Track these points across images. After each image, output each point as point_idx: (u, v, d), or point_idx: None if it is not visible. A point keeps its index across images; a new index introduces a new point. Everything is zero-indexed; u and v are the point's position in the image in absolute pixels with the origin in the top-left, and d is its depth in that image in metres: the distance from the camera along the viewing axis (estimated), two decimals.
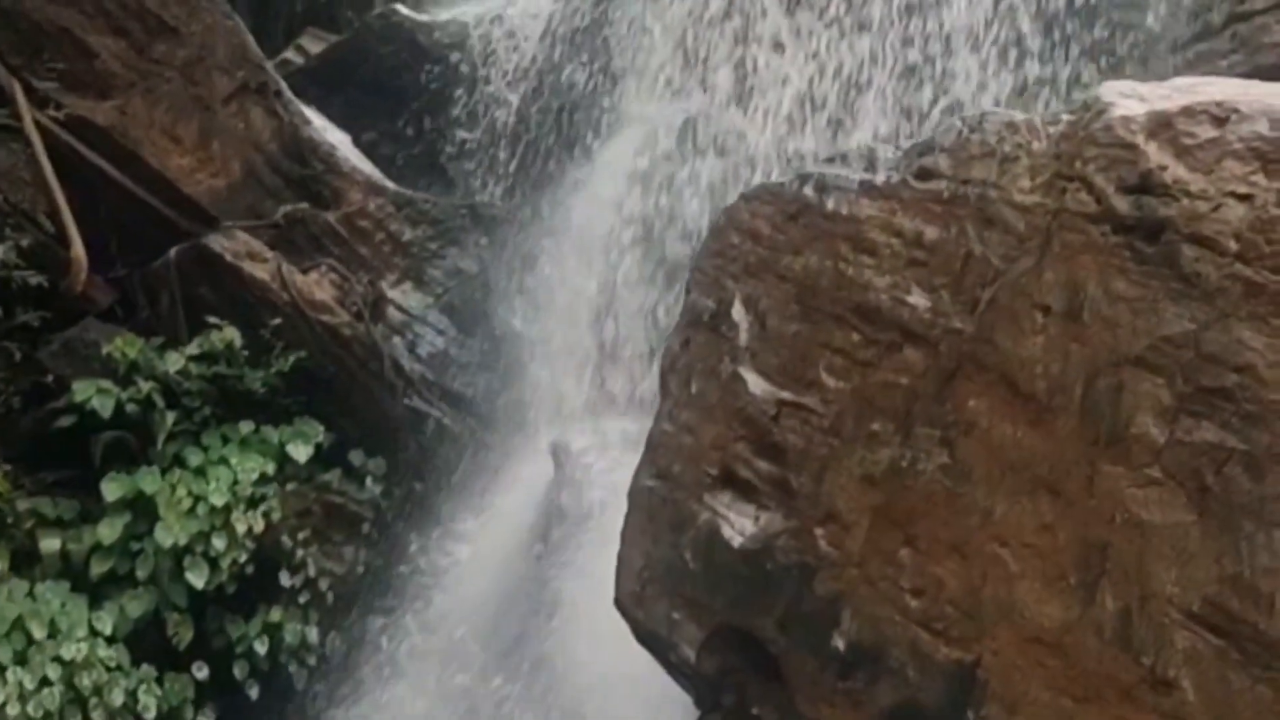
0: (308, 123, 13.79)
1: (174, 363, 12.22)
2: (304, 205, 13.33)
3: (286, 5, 17.40)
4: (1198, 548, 4.34)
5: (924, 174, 5.54)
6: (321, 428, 12.68)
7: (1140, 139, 4.76)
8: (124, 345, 12.13)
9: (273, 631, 12.06)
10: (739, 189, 9.52)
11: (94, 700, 10.92)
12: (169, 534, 11.53)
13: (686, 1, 12.61)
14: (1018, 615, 4.81)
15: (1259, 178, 4.44)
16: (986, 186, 5.22)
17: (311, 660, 12.14)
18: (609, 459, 10.22)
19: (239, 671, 11.99)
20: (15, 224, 11.88)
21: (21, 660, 10.76)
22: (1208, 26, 9.60)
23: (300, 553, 12.16)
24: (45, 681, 10.73)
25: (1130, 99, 4.96)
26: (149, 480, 11.80)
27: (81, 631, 11.08)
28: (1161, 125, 4.73)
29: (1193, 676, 4.32)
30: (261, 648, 11.96)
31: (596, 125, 13.18)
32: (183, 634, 11.76)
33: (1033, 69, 10.29)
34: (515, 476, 11.66)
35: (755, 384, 6.10)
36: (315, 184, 13.50)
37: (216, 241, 12.86)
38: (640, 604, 6.55)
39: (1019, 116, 5.31)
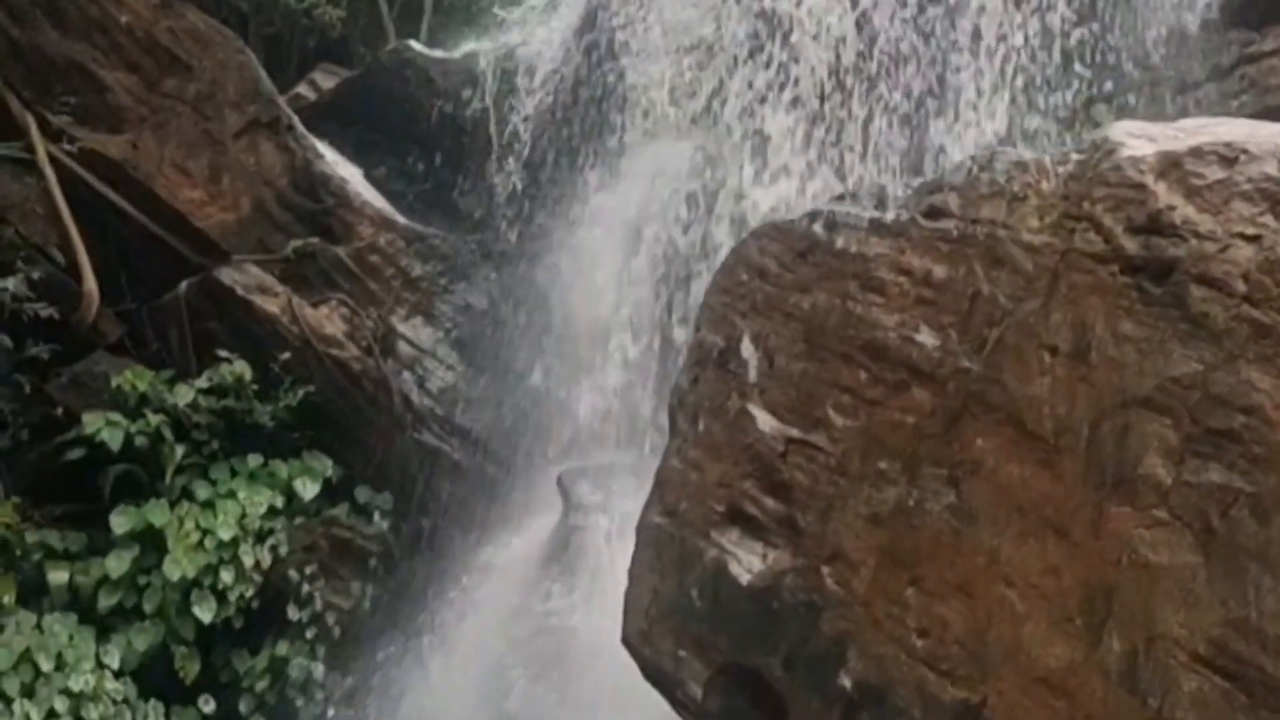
0: (319, 157, 13.84)
1: (183, 396, 12.24)
2: (314, 240, 13.38)
3: (300, 41, 17.51)
4: (1204, 590, 4.33)
5: (933, 212, 5.54)
6: (330, 462, 12.70)
7: (1149, 179, 4.76)
8: (133, 378, 12.16)
9: (279, 666, 12.05)
10: (746, 227, 9.55)
11: None
12: (177, 567, 11.54)
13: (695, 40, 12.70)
14: (1023, 656, 4.78)
15: (1268, 219, 4.43)
16: (995, 226, 5.22)
17: (318, 695, 12.12)
18: (617, 495, 10.21)
19: (245, 706, 11.98)
20: (27, 256, 11.92)
21: (29, 693, 10.75)
22: (1217, 68, 9.62)
23: (307, 587, 12.15)
24: (52, 714, 10.73)
25: (1139, 139, 4.96)
26: (157, 513, 11.81)
27: (89, 664, 11.08)
28: (1170, 165, 4.73)
29: (1199, 719, 4.30)
30: (268, 682, 11.96)
31: (608, 162, 13.20)
32: (189, 668, 11.75)
33: (1044, 107, 10.33)
34: (524, 511, 11.64)
35: (764, 421, 6.09)
36: (326, 218, 13.54)
37: (227, 275, 12.91)
38: (647, 641, 6.52)
39: (1028, 156, 5.31)
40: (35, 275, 11.76)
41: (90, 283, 12.36)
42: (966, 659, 4.98)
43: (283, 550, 12.13)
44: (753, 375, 6.22)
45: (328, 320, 13.01)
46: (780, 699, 5.76)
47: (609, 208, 12.73)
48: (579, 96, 13.86)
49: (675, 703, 6.42)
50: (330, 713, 12.05)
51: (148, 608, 11.65)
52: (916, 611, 5.20)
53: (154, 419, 12.07)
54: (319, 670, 12.11)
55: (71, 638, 11.19)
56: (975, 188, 5.38)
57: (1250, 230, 4.44)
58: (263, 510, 12.11)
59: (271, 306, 12.83)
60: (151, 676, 11.65)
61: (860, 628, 5.40)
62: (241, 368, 12.45)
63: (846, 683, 5.40)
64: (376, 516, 12.78)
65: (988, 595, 4.95)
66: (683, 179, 12.21)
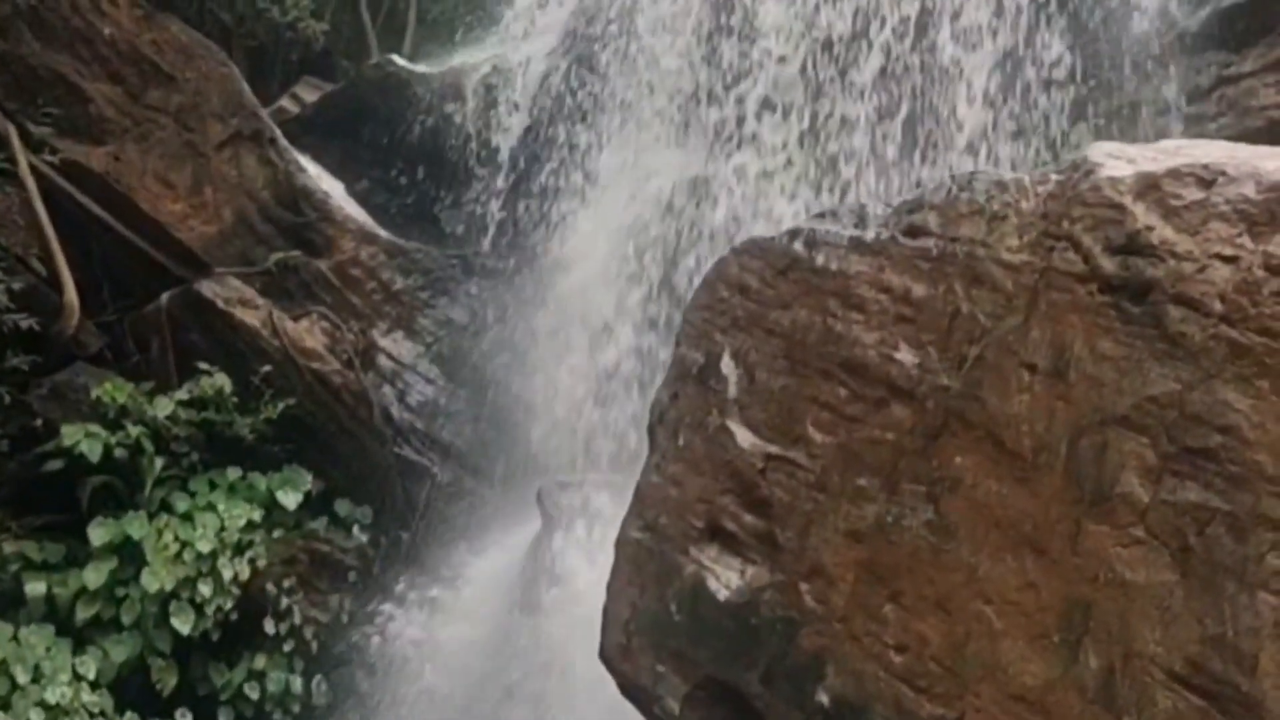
0: (302, 170, 13.83)
1: (163, 408, 12.23)
2: (296, 253, 13.37)
3: (283, 54, 17.48)
4: (1181, 608, 4.35)
5: (913, 231, 5.56)
6: (309, 475, 12.69)
7: (1128, 200, 4.78)
8: (114, 390, 12.14)
9: (257, 679, 12.04)
10: (730, 241, 9.57)
11: None
12: (155, 579, 11.52)
13: (677, 58, 12.71)
14: (1001, 672, 4.80)
15: (1245, 240, 4.46)
16: (975, 245, 5.24)
17: (295, 708, 12.12)
18: (596, 509, 10.22)
19: (223, 719, 11.95)
20: (7, 267, 11.89)
21: (4, 704, 10.72)
22: (1196, 89, 9.66)
23: (285, 600, 12.14)
24: None
25: (1118, 160, 4.99)
26: (136, 525, 11.78)
27: (65, 676, 11.04)
28: (1149, 186, 4.76)
29: None
30: (246, 695, 11.94)
31: (590, 175, 13.22)
32: (167, 680, 11.73)
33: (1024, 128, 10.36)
34: (502, 526, 11.64)
35: (743, 437, 6.10)
36: (308, 231, 13.53)
37: (208, 287, 12.90)
38: (626, 656, 6.52)
39: (1008, 176, 5.33)
40: (16, 286, 11.74)
41: (71, 294, 12.35)
42: (944, 675, 5.00)
43: (261, 563, 12.13)
44: (733, 391, 6.24)
45: (308, 333, 13.01)
46: (758, 715, 5.77)
47: (591, 222, 12.74)
48: (561, 111, 13.88)
49: (653, 717, 6.43)
50: None
51: (125, 620, 11.63)
52: (895, 627, 5.22)
53: (133, 431, 12.06)
54: (297, 683, 12.10)
55: (48, 649, 11.17)
56: (955, 207, 5.40)
57: (1228, 251, 4.47)
58: (242, 523, 12.10)
59: (252, 319, 12.83)
60: (128, 688, 11.62)
61: (838, 643, 5.42)
62: (222, 380, 12.45)
63: (824, 698, 5.41)
64: (356, 530, 12.78)
65: (966, 611, 4.97)
66: (665, 193, 12.23)
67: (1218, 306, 4.43)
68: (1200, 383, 4.41)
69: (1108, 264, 4.76)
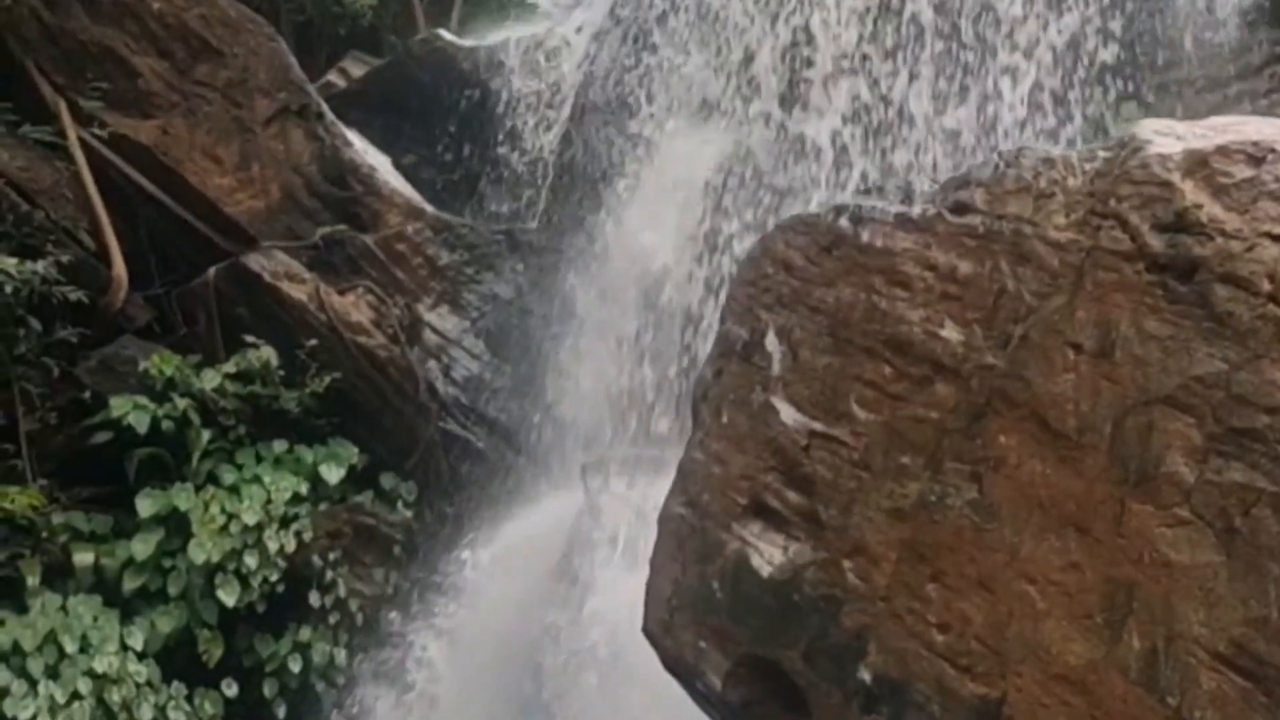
0: (348, 145, 13.88)
1: (210, 381, 12.30)
2: (342, 227, 13.42)
3: (330, 28, 17.51)
4: (1225, 589, 4.32)
5: (959, 208, 5.52)
6: (355, 449, 12.75)
7: (1176, 177, 4.74)
8: (161, 362, 12.22)
9: (302, 651, 12.10)
10: (775, 220, 9.54)
11: (123, 715, 10.95)
12: (201, 551, 11.59)
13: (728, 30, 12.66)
14: (1043, 652, 4.78)
15: None
16: (1021, 222, 5.21)
17: (340, 680, 12.17)
18: (639, 486, 10.22)
19: (268, 690, 12.03)
20: (57, 240, 11.97)
21: (53, 673, 10.81)
22: (1247, 66, 9.58)
23: (330, 573, 12.20)
24: (76, 695, 10.78)
25: (1167, 137, 4.94)
26: (183, 497, 11.86)
27: (113, 646, 11.13)
28: (1198, 164, 4.72)
29: (1218, 719, 4.29)
30: (291, 667, 12.01)
31: (636, 153, 13.18)
32: (213, 651, 11.81)
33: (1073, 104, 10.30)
34: (546, 502, 11.66)
35: (787, 414, 6.09)
36: (354, 206, 13.58)
37: (255, 261, 12.95)
38: (668, 632, 6.53)
39: (1055, 152, 5.29)
40: (65, 259, 11.81)
41: (119, 267, 12.43)
42: (986, 655, 4.98)
43: (307, 536, 12.18)
44: (777, 368, 6.22)
45: (354, 308, 13.05)
46: (800, 692, 5.77)
47: (638, 198, 12.72)
48: (610, 85, 13.84)
49: (695, 693, 6.45)
50: (352, 697, 12.11)
51: (172, 591, 11.72)
52: (937, 606, 5.20)
53: (181, 403, 12.13)
54: (341, 655, 12.17)
55: (96, 619, 11.25)
56: (1002, 184, 5.37)
57: (1277, 230, 4.43)
58: (287, 496, 12.16)
59: (299, 293, 12.88)
60: (175, 659, 11.71)
61: (881, 622, 5.41)
62: (268, 353, 12.51)
63: (866, 676, 5.40)
64: (400, 504, 12.84)
65: (1008, 591, 4.95)
66: (714, 168, 12.20)
67: (1266, 286, 4.39)
68: (1247, 363, 4.38)
69: (1155, 242, 4.72)
